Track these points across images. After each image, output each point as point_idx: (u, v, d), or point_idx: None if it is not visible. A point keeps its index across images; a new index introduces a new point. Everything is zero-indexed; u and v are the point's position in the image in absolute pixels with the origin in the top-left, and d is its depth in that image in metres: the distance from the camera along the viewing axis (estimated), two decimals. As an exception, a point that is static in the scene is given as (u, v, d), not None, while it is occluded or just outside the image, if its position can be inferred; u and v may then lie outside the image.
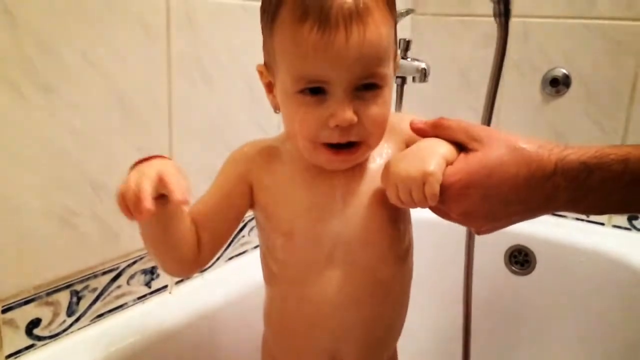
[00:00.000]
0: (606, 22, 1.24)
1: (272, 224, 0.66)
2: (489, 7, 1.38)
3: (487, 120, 1.01)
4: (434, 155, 0.57)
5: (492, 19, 1.35)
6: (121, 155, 0.80)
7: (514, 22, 1.33)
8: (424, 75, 1.17)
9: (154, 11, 0.81)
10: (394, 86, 0.60)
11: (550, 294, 1.23)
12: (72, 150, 0.74)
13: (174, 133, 0.88)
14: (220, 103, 0.96)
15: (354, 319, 0.65)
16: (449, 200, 0.57)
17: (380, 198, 0.63)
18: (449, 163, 0.57)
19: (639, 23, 1.20)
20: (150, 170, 0.53)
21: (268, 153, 0.67)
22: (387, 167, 0.60)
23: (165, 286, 0.92)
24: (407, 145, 0.63)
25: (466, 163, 0.56)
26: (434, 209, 0.61)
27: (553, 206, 0.56)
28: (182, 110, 0.88)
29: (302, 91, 0.57)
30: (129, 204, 0.53)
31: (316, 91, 0.56)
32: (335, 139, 0.58)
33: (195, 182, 0.91)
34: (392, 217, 0.65)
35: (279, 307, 0.69)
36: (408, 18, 1.30)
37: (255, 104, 1.01)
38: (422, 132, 0.62)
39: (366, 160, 0.65)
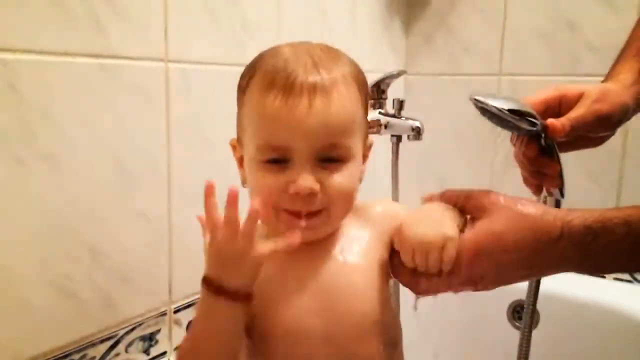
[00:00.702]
0: (594, 79, 1.27)
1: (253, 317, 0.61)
2: (478, 66, 1.43)
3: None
4: (448, 220, 0.57)
5: (482, 77, 1.39)
6: (120, 221, 0.80)
7: (503, 80, 1.38)
8: (418, 133, 1.19)
9: (153, 78, 0.84)
10: (365, 163, 0.62)
11: (555, 349, 1.20)
12: (71, 217, 0.74)
13: (172, 197, 0.88)
14: (219, 167, 0.96)
15: None
16: (458, 269, 0.57)
17: (362, 288, 0.60)
18: (460, 229, 0.58)
19: (626, 78, 1.23)
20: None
21: None
22: (401, 231, 0.59)
23: (164, 352, 0.91)
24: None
25: (473, 232, 0.57)
26: (433, 287, 0.59)
27: (560, 268, 0.56)
28: (181, 175, 0.89)
29: (266, 161, 0.57)
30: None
31: (279, 161, 0.57)
32: (296, 206, 0.57)
33: (195, 247, 0.91)
34: (379, 304, 0.61)
35: None
36: (401, 78, 1.34)
37: (253, 166, 1.02)
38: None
39: (336, 240, 0.62)
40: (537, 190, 0.76)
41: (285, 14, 1.05)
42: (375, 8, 1.38)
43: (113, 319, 0.82)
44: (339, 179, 0.57)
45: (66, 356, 0.76)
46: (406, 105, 1.19)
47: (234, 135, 0.97)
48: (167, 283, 0.89)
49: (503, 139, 1.36)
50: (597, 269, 0.57)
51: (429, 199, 0.63)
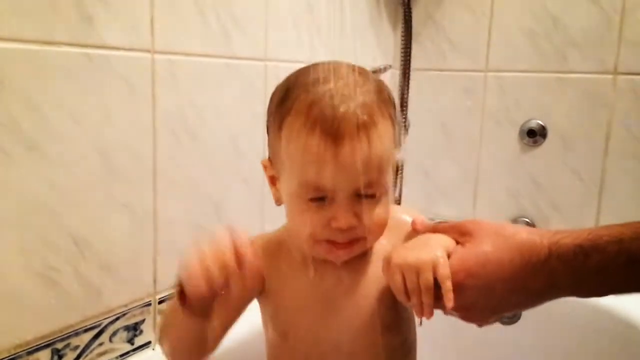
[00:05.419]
0: (578, 75, 1.29)
1: (272, 322, 0.70)
2: (465, 62, 1.44)
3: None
4: (439, 245, 0.58)
5: (469, 73, 1.40)
6: (105, 211, 0.80)
7: (489, 76, 1.39)
8: (404, 128, 1.20)
9: (139, 70, 0.84)
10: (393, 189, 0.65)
11: (537, 343, 1.22)
12: (55, 207, 0.74)
13: (158, 189, 0.88)
14: (204, 159, 0.97)
15: None
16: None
17: (384, 302, 0.66)
18: (449, 254, 0.58)
19: (610, 76, 1.25)
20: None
21: (275, 249, 0.70)
22: (388, 259, 0.59)
23: (149, 342, 0.91)
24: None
25: (459, 256, 0.56)
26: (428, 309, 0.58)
27: (555, 292, 0.55)
28: (166, 167, 0.89)
29: (309, 199, 0.60)
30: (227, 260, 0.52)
31: (320, 199, 0.59)
32: (337, 238, 0.60)
33: (179, 239, 0.91)
34: (395, 323, 0.67)
35: None
36: (387, 73, 1.34)
37: (239, 160, 1.02)
38: (418, 232, 0.65)
39: (368, 259, 0.67)
40: None
41: (273, 6, 1.05)
42: (364, 3, 1.38)
43: (97, 309, 0.82)
44: (375, 212, 0.61)
45: (49, 345, 0.76)
46: (393, 100, 1.20)
47: (221, 126, 0.98)
48: (152, 274, 0.89)
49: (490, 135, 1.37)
50: (592, 291, 0.54)
51: (419, 224, 0.65)
